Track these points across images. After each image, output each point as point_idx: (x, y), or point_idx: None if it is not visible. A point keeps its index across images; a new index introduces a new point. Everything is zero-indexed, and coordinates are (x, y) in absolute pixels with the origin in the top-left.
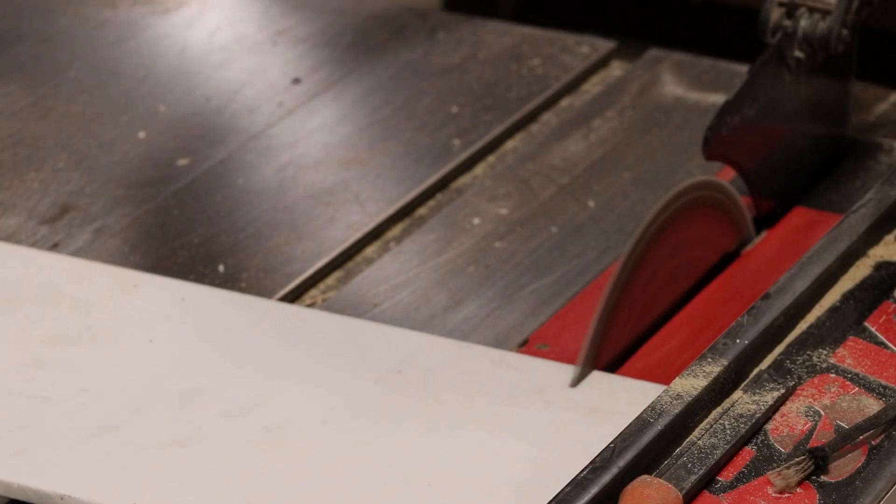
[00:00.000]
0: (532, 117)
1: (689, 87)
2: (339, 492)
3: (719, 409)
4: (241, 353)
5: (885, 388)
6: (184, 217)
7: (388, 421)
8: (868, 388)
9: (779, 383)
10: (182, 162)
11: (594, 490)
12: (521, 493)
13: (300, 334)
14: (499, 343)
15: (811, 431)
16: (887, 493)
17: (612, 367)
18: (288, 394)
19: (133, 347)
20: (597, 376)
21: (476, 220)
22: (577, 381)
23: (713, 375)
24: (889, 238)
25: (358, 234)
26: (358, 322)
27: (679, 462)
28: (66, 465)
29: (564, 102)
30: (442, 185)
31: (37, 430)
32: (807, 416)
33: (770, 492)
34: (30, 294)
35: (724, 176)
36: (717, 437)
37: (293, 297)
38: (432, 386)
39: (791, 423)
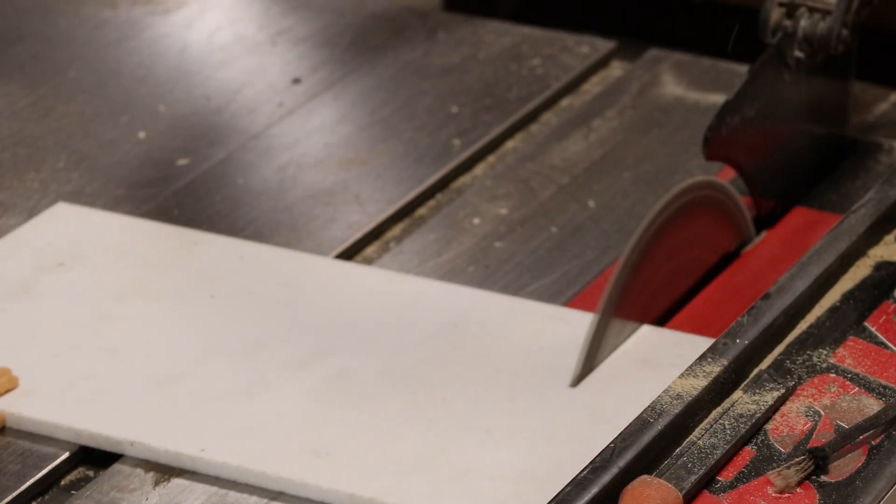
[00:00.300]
0: (532, 117)
1: (689, 87)
2: (400, 439)
3: (719, 409)
4: (301, 308)
5: (885, 388)
6: (184, 217)
7: (446, 372)
8: (868, 388)
9: (779, 383)
10: (182, 162)
11: (594, 490)
12: (575, 439)
13: (357, 290)
14: None
15: (811, 431)
16: (887, 493)
17: None
18: (347, 346)
19: (195, 302)
20: (647, 330)
21: (476, 220)
22: (576, 382)
23: (713, 375)
24: (889, 238)
25: (358, 234)
26: (413, 278)
27: (679, 462)
28: (135, 412)
29: (564, 102)
30: (442, 185)
31: (106, 380)
32: (807, 416)
33: (770, 492)
34: (95, 252)
35: (724, 176)
36: (717, 437)
37: None
38: (487, 339)
39: (791, 423)
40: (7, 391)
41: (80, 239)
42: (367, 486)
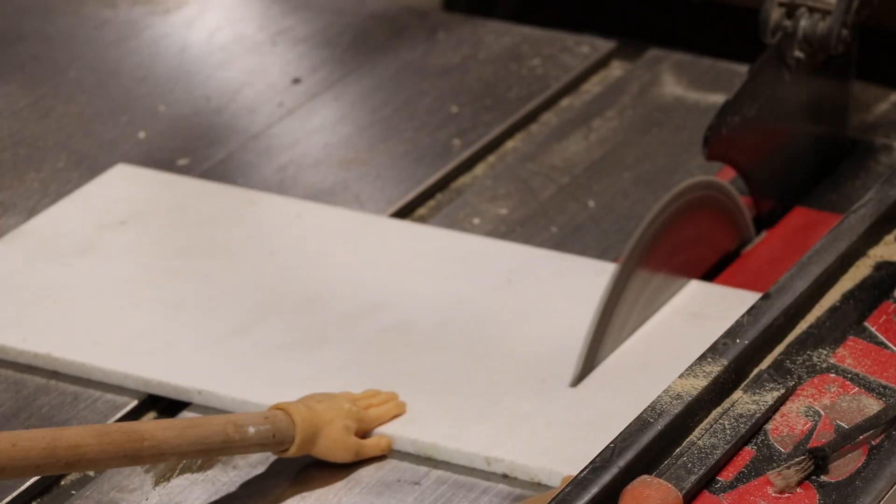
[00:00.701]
0: (532, 117)
1: (689, 87)
2: (458, 388)
3: (719, 409)
4: (357, 264)
5: (885, 388)
6: None
7: (502, 324)
8: (868, 388)
9: (779, 383)
10: (182, 162)
11: (594, 490)
12: (629, 389)
13: (412, 246)
14: None
15: (811, 431)
16: (887, 493)
17: None
18: (404, 299)
19: (255, 259)
20: (695, 285)
21: (476, 220)
22: (576, 382)
23: (713, 375)
24: (889, 238)
25: None
26: (467, 236)
27: (679, 462)
28: (202, 363)
29: (564, 102)
30: (442, 185)
31: (172, 332)
32: (807, 416)
33: (770, 492)
34: (155, 210)
35: (724, 176)
36: (717, 437)
37: None
38: (541, 293)
39: (791, 423)
40: (395, 416)
41: (140, 198)
42: (429, 432)
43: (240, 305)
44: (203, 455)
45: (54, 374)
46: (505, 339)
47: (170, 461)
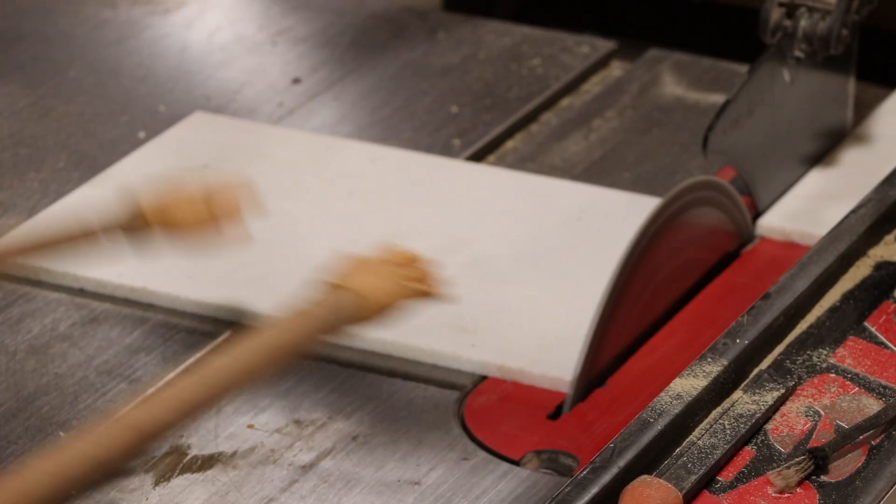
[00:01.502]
0: (532, 117)
1: (689, 87)
2: (540, 317)
3: (719, 409)
4: (434, 203)
5: (885, 388)
6: None
7: (575, 259)
8: (868, 388)
9: (779, 383)
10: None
11: (594, 490)
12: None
13: (486, 187)
14: None
15: (811, 431)
16: (887, 493)
17: (612, 366)
18: (480, 236)
19: (335, 199)
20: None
21: None
22: (572, 398)
23: (713, 375)
24: (889, 238)
25: None
26: (537, 177)
27: (679, 462)
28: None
29: (564, 102)
30: None
31: (262, 267)
32: (807, 416)
33: (770, 492)
34: (236, 154)
35: (724, 176)
36: (717, 437)
37: None
38: (610, 230)
39: (791, 423)
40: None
41: (220, 143)
42: (515, 358)
43: (324, 243)
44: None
45: (149, 307)
46: (579, 271)
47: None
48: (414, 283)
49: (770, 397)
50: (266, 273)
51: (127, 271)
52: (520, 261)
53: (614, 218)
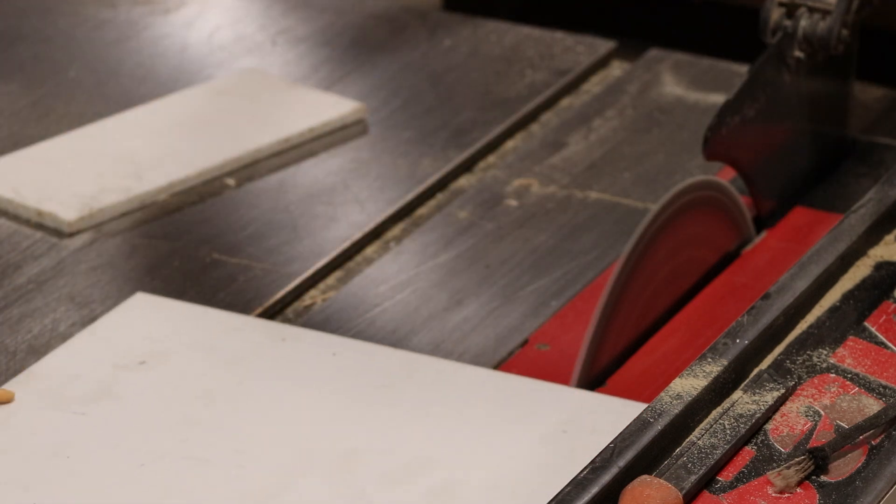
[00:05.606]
0: (532, 117)
1: (689, 87)
2: None
3: (719, 409)
4: (399, 412)
5: (885, 388)
6: (183, 217)
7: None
8: (868, 388)
9: (779, 383)
10: None
11: (594, 490)
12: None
13: (459, 391)
14: (498, 343)
15: (811, 431)
16: (887, 493)
17: (612, 366)
18: (452, 455)
19: (287, 406)
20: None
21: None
22: (578, 384)
23: (713, 375)
24: (889, 238)
25: (358, 234)
26: (516, 378)
27: (679, 462)
28: None
29: (564, 102)
30: (442, 185)
31: (199, 495)
32: (807, 416)
33: (770, 492)
34: (178, 348)
35: (724, 176)
36: (717, 437)
37: (293, 296)
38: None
39: (791, 423)
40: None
41: (160, 335)
42: None
43: (271, 462)
44: None
45: None
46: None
47: None
48: None
49: (770, 397)
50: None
51: (43, 501)
52: (496, 490)
53: (603, 432)
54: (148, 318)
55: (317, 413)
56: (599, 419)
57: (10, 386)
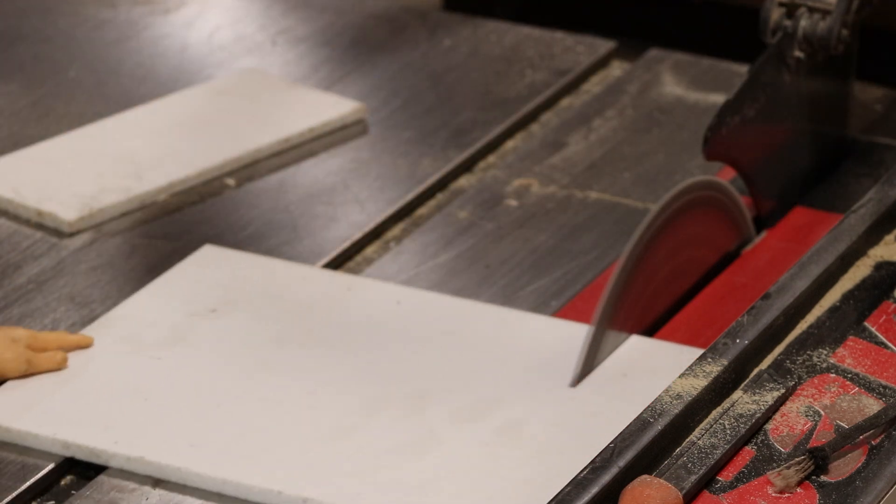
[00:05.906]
0: (532, 117)
1: (689, 87)
2: None
3: (719, 409)
4: (465, 356)
5: (885, 388)
6: (183, 217)
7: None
8: (868, 388)
9: (779, 383)
10: None
11: (594, 490)
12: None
13: (520, 337)
14: None
15: (811, 431)
16: (887, 493)
17: None
18: (516, 396)
19: (356, 351)
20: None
21: (477, 220)
22: (576, 382)
23: (713, 375)
24: (889, 238)
25: (358, 234)
26: (577, 326)
27: (679, 462)
28: (306, 468)
29: (564, 102)
30: (442, 185)
31: (273, 434)
32: (807, 416)
33: (770, 492)
34: (247, 297)
35: (724, 176)
36: (717, 436)
37: None
38: (655, 385)
39: (791, 423)
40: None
41: (230, 283)
42: None
43: (342, 403)
44: None
45: (157, 482)
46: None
47: None
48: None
49: (770, 397)
50: (276, 441)
51: (123, 438)
52: (557, 426)
53: (660, 372)
54: (216, 268)
55: (384, 357)
56: (658, 363)
57: (88, 331)
